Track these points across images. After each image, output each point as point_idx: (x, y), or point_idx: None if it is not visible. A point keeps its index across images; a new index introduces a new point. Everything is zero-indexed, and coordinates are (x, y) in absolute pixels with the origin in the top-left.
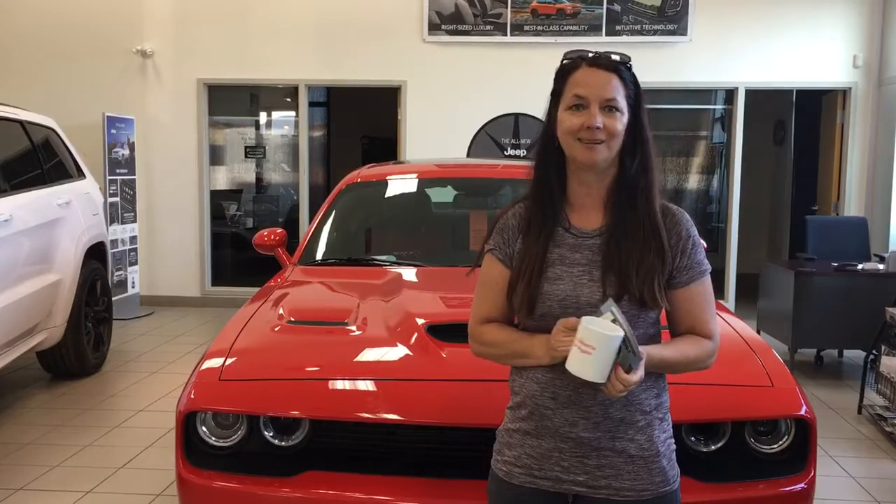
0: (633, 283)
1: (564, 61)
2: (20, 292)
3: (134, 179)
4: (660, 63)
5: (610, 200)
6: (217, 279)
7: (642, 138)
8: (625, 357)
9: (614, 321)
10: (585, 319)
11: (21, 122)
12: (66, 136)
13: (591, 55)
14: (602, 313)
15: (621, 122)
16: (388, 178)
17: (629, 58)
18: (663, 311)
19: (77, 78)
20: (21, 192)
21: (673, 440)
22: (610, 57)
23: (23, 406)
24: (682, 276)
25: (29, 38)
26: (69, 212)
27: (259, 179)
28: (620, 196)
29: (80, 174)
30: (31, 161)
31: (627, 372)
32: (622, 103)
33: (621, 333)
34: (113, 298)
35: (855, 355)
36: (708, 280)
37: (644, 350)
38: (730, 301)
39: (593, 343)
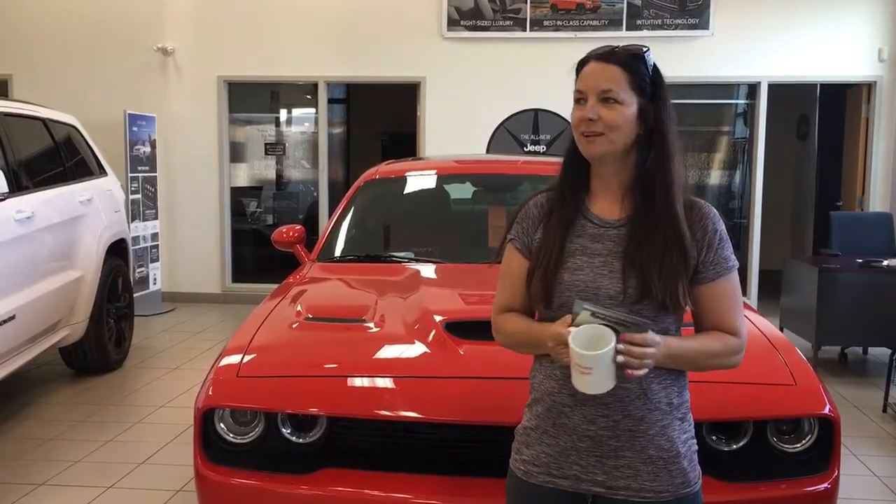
0: (655, 288)
1: (580, 59)
2: (42, 289)
3: (155, 177)
4: (681, 57)
5: (629, 194)
6: (237, 276)
7: (659, 132)
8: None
9: (594, 315)
10: (571, 338)
11: (43, 120)
12: (88, 133)
13: (601, 51)
14: (577, 314)
15: (622, 114)
16: (406, 174)
17: (641, 48)
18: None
19: (98, 76)
20: (43, 189)
21: (695, 441)
22: (613, 49)
23: (45, 402)
24: (709, 271)
25: (50, 37)
26: (91, 209)
27: (279, 176)
28: (638, 190)
29: (102, 171)
30: (54, 158)
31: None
32: (623, 95)
33: (611, 345)
34: (134, 295)
35: (880, 353)
36: (735, 276)
37: (661, 337)
38: (752, 298)
39: (588, 364)
